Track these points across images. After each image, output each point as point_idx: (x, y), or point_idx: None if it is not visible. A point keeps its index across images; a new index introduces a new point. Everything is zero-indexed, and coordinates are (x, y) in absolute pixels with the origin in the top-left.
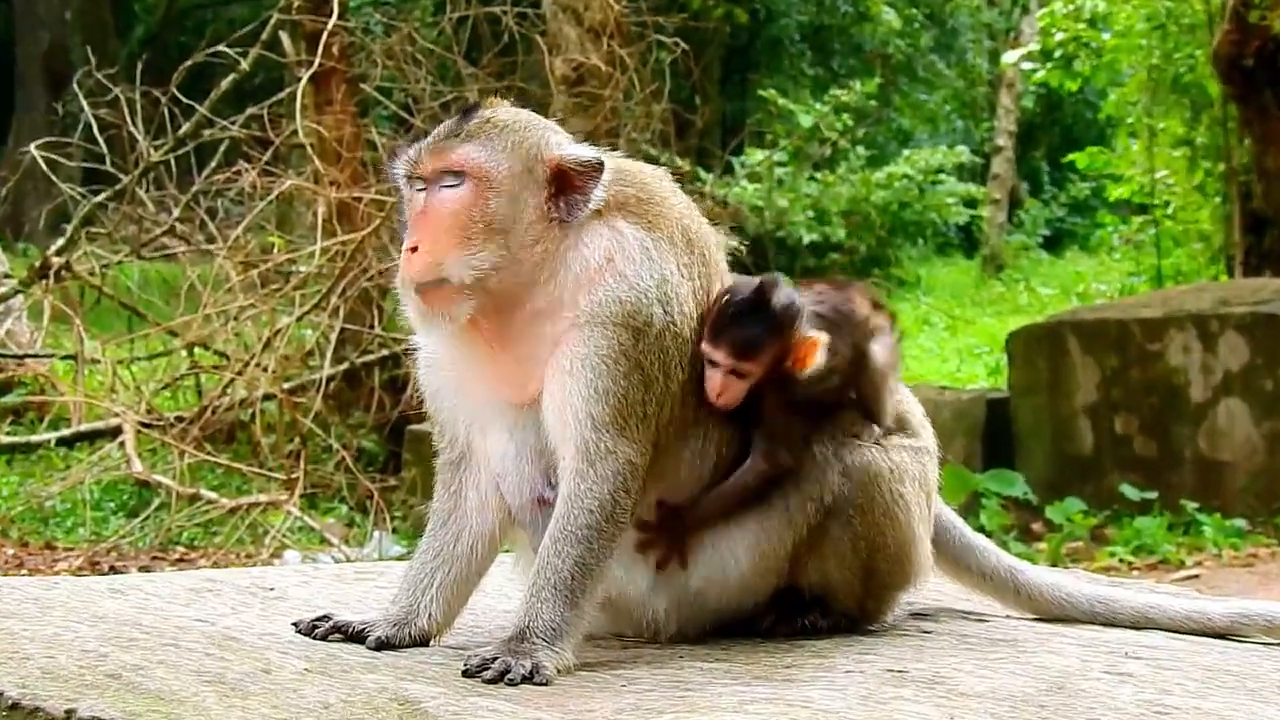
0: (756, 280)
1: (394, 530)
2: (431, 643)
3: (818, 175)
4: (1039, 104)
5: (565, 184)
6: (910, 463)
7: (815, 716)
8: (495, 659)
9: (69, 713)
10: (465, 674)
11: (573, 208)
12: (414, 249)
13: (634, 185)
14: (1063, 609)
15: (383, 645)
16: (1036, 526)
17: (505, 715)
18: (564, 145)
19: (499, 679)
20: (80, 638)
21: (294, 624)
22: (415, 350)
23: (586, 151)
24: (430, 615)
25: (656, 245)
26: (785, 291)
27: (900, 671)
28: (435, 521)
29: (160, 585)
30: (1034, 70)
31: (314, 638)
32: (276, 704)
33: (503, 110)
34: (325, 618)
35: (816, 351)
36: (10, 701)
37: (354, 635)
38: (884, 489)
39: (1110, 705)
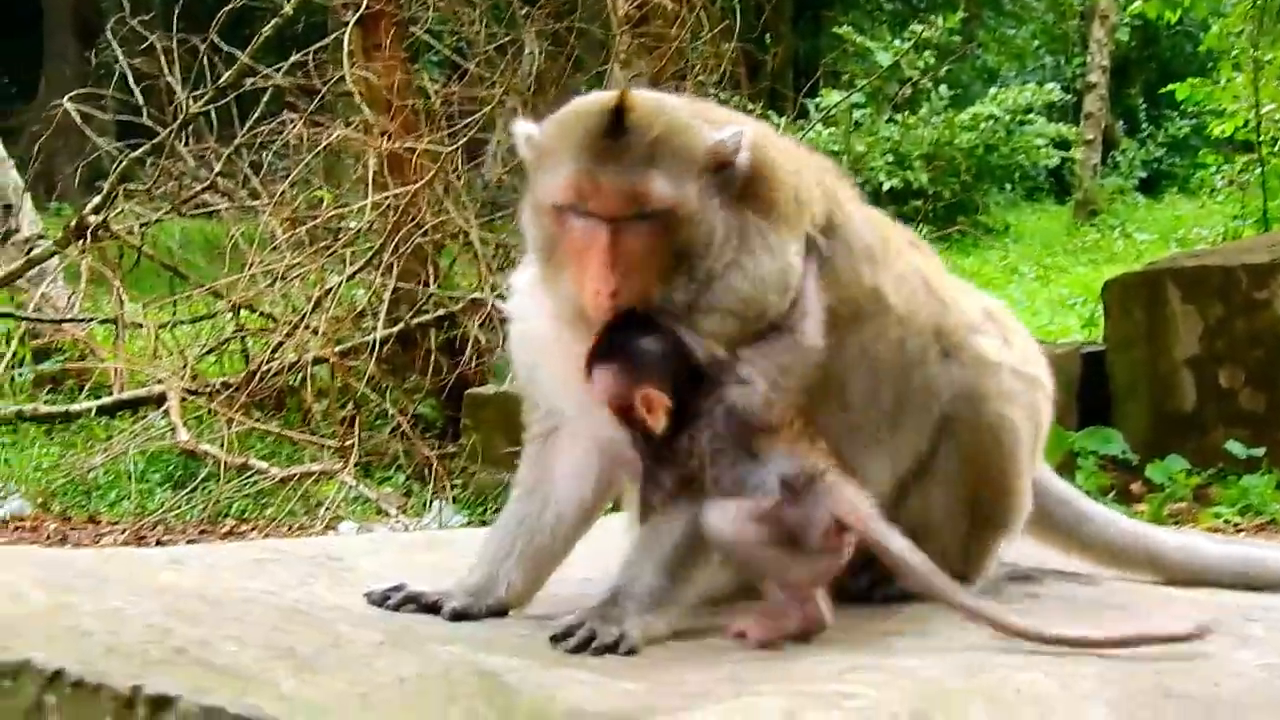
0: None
1: (454, 499)
2: (510, 614)
3: (898, 117)
4: (1134, 37)
5: (718, 167)
6: (1022, 391)
7: (919, 686)
8: (581, 625)
9: (135, 690)
10: (552, 640)
11: (722, 191)
12: (613, 293)
13: (754, 158)
14: (1203, 574)
15: (459, 616)
16: (1136, 487)
17: (589, 687)
18: (711, 132)
19: (582, 648)
20: (143, 612)
21: (366, 595)
22: (508, 319)
23: (729, 133)
24: (509, 585)
25: (775, 230)
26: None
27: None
28: (520, 491)
29: (222, 556)
30: (1129, 1)
31: (387, 608)
32: (351, 678)
33: (650, 108)
34: (398, 588)
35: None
36: (73, 680)
37: (428, 606)
38: (992, 408)
39: (1229, 670)
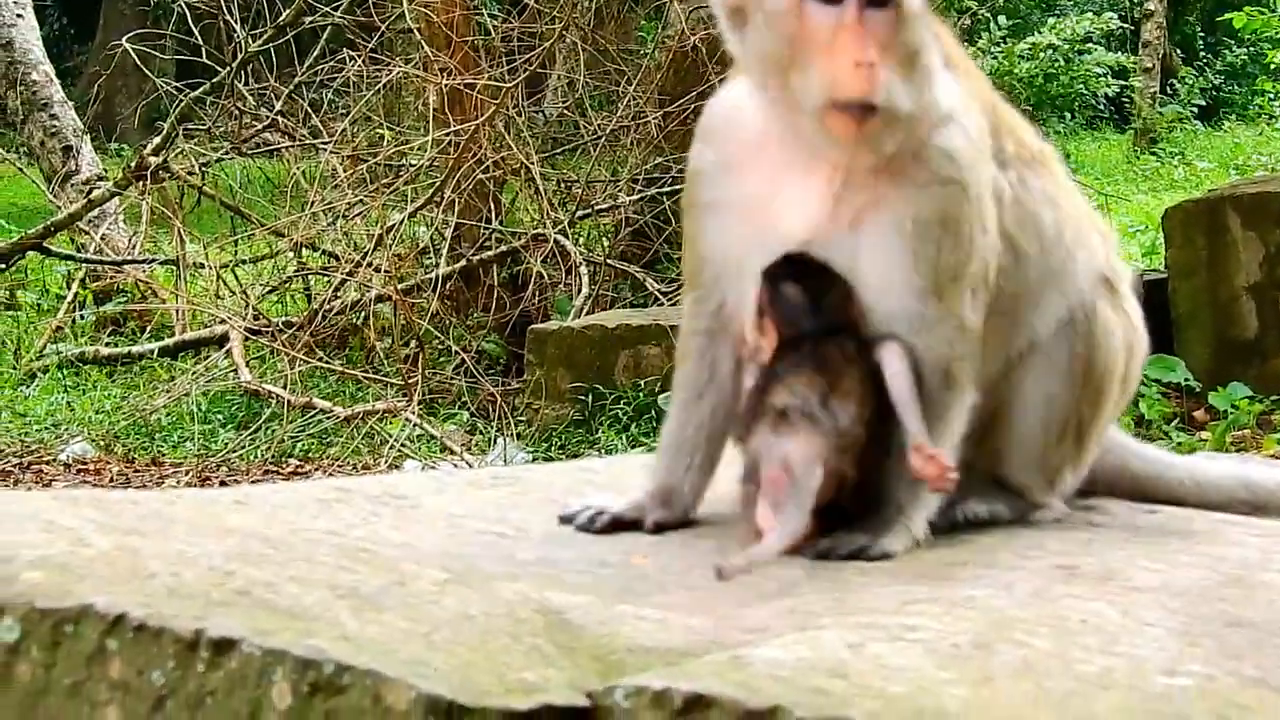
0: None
1: (518, 436)
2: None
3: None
4: None
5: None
6: (1122, 325)
7: (981, 616)
8: (835, 537)
9: (197, 633)
10: (818, 556)
11: (930, 41)
12: (870, 65)
13: None
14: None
15: (659, 528)
16: (1199, 414)
17: (652, 623)
18: None
19: (856, 555)
20: (206, 553)
21: (562, 517)
22: (689, 193)
23: None
24: (696, 492)
25: (959, 84)
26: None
27: (1070, 567)
28: (686, 394)
29: (287, 496)
30: None
31: (593, 531)
32: (415, 617)
33: None
34: (594, 510)
35: None
36: (136, 623)
37: (631, 523)
38: (1110, 320)
39: None
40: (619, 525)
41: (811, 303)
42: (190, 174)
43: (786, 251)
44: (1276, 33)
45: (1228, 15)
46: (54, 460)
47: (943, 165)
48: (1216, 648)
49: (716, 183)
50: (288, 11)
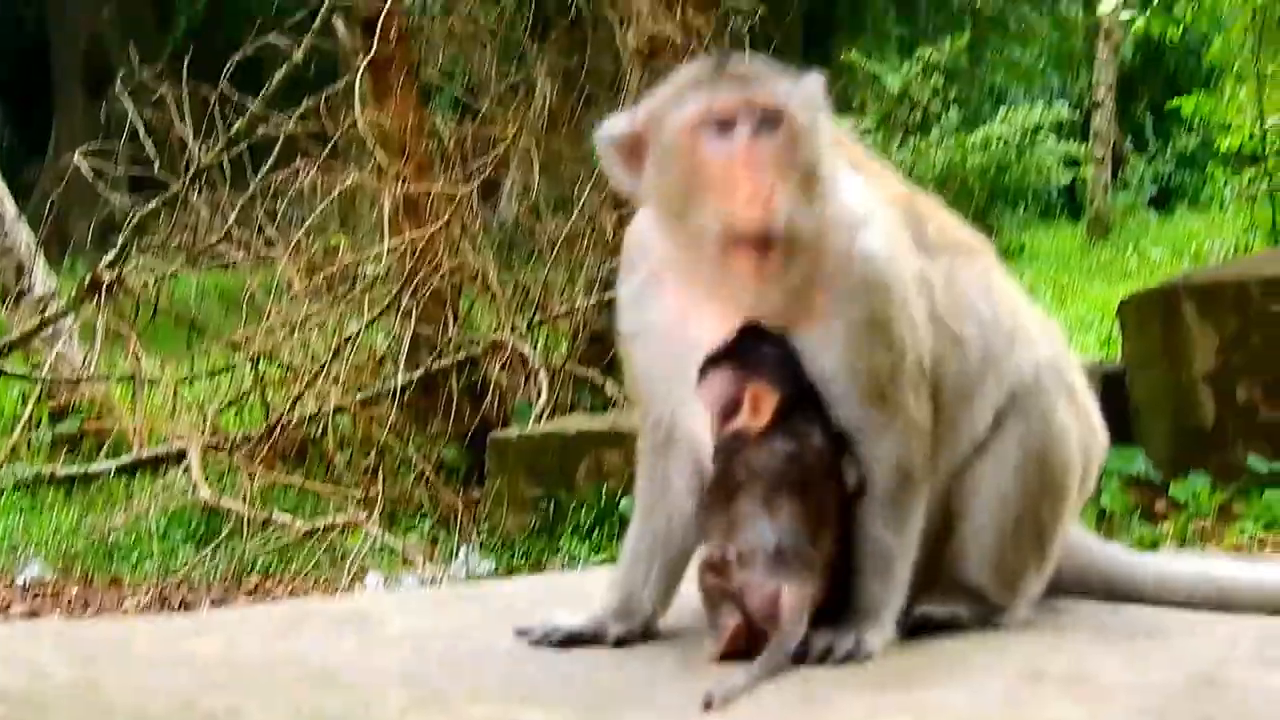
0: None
1: (480, 545)
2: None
3: (909, 141)
4: (1139, 53)
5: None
6: (1078, 421)
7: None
8: (816, 639)
9: None
10: (795, 660)
11: (828, 153)
12: (767, 196)
13: None
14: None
15: (620, 643)
16: (1160, 505)
17: None
18: (811, 79)
19: (824, 658)
20: (168, 682)
21: (521, 633)
22: (619, 319)
23: (821, 80)
24: (653, 605)
25: (869, 186)
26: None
27: (1038, 669)
28: (641, 509)
29: (248, 619)
30: (1133, 18)
31: (551, 646)
32: None
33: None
34: (553, 627)
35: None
36: None
37: (591, 638)
38: (1060, 412)
39: (1266, 696)
40: (576, 641)
41: (789, 354)
42: (145, 288)
43: (740, 327)
44: (1226, 119)
45: (1176, 102)
46: (10, 584)
47: (864, 270)
48: None
49: (639, 309)
50: (240, 122)
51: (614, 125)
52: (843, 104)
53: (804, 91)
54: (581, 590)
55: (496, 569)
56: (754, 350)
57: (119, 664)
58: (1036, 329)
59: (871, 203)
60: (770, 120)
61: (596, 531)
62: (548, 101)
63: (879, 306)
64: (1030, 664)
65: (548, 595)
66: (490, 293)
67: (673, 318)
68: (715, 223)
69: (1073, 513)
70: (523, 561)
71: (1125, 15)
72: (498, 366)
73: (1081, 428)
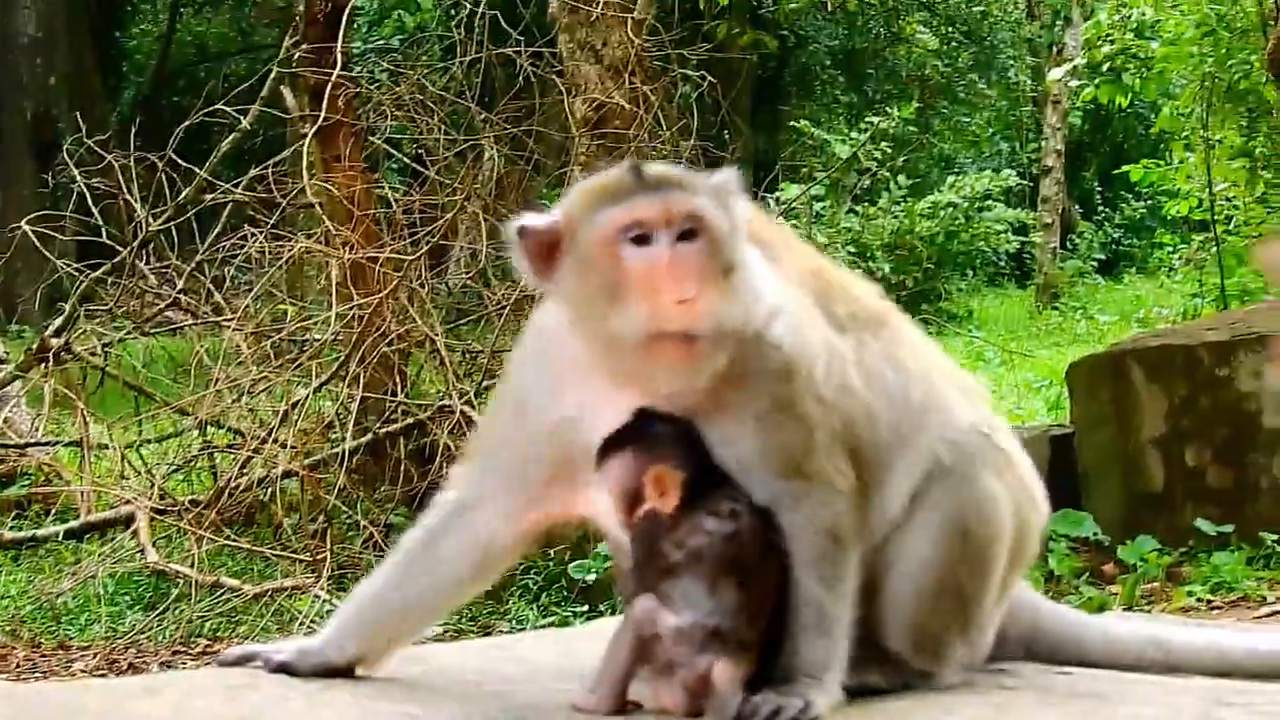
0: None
1: None
2: (339, 675)
3: (858, 208)
4: (1087, 120)
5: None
6: (1008, 487)
7: None
8: (764, 701)
9: None
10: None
11: (744, 251)
12: (691, 299)
13: None
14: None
15: (281, 669)
16: (1109, 568)
17: None
18: (724, 177)
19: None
20: None
21: (219, 661)
22: (511, 395)
23: (734, 177)
24: (341, 649)
25: (775, 268)
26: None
27: None
28: (397, 554)
29: (196, 682)
30: (1082, 86)
31: (226, 665)
32: None
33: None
34: (249, 654)
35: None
36: None
37: (264, 661)
38: (984, 477)
39: None
40: (252, 661)
41: (687, 432)
42: (93, 354)
43: (634, 411)
44: (1173, 185)
45: (1125, 169)
46: None
47: (771, 359)
48: None
49: (545, 401)
50: (188, 190)
51: (528, 223)
52: (791, 171)
53: (720, 193)
54: (527, 654)
55: (444, 633)
56: (651, 431)
57: None
58: (954, 396)
59: (780, 288)
60: (689, 229)
61: (544, 595)
62: (496, 168)
63: (786, 391)
64: None
65: (492, 659)
66: (438, 358)
67: (582, 412)
68: (640, 325)
69: (1014, 576)
70: (471, 625)
71: (1074, 83)
72: (445, 431)
73: (1013, 492)
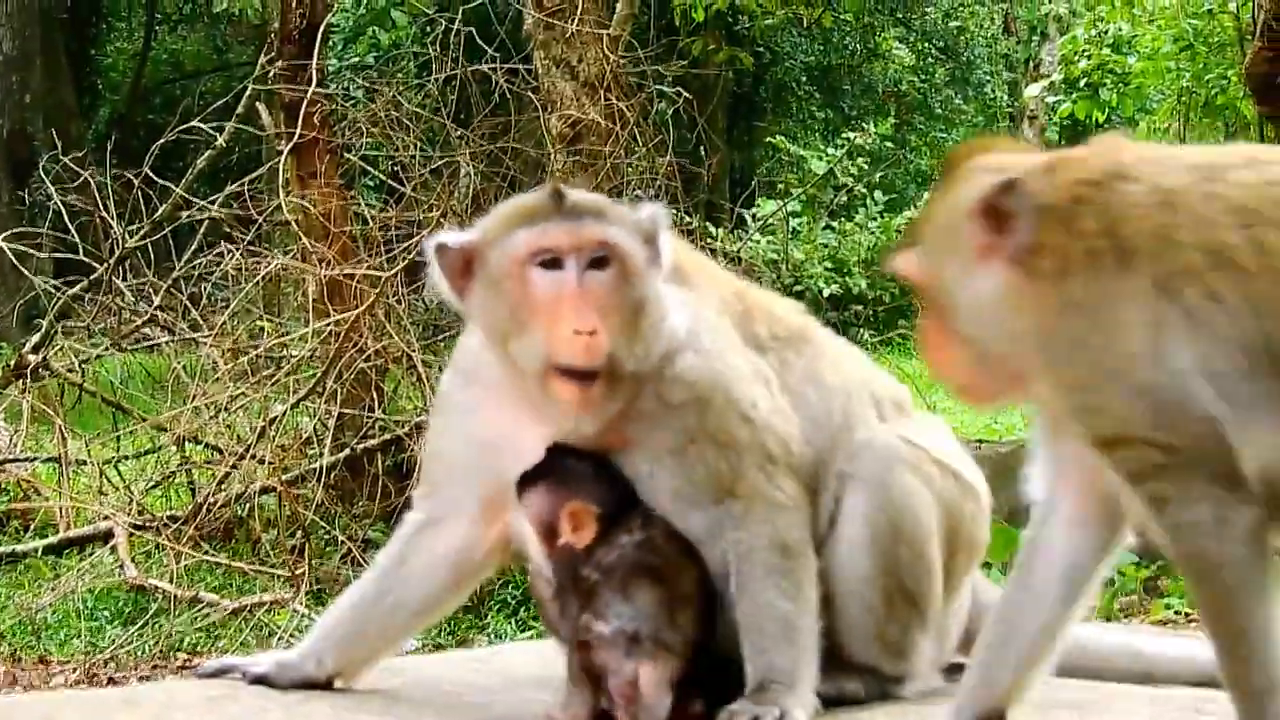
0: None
1: None
2: (318, 688)
3: (834, 224)
4: (1064, 136)
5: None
6: (929, 482)
7: None
8: (742, 713)
9: None
10: None
11: (660, 273)
12: (592, 331)
13: None
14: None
15: (258, 681)
16: None
17: None
18: (646, 211)
19: None
20: None
21: (196, 674)
22: (442, 414)
23: (653, 210)
24: (319, 662)
25: (697, 299)
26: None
27: None
28: (372, 573)
29: (176, 694)
30: (1059, 101)
31: (204, 677)
32: None
33: (581, 192)
34: (227, 666)
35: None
36: None
37: (242, 674)
38: (899, 476)
39: None
40: (231, 674)
41: (606, 469)
42: (70, 371)
43: (550, 447)
44: None
45: None
46: None
47: (678, 393)
48: None
49: (468, 418)
50: (164, 207)
51: (445, 240)
52: (767, 187)
53: (641, 228)
54: (505, 667)
55: (422, 646)
56: (567, 468)
57: None
58: (870, 406)
59: (697, 320)
60: (600, 259)
61: (522, 609)
62: (472, 185)
63: (702, 420)
64: None
65: (470, 671)
66: (415, 374)
67: (501, 431)
68: (539, 354)
69: (960, 566)
70: (449, 639)
71: (1051, 99)
72: (422, 447)
73: (937, 486)
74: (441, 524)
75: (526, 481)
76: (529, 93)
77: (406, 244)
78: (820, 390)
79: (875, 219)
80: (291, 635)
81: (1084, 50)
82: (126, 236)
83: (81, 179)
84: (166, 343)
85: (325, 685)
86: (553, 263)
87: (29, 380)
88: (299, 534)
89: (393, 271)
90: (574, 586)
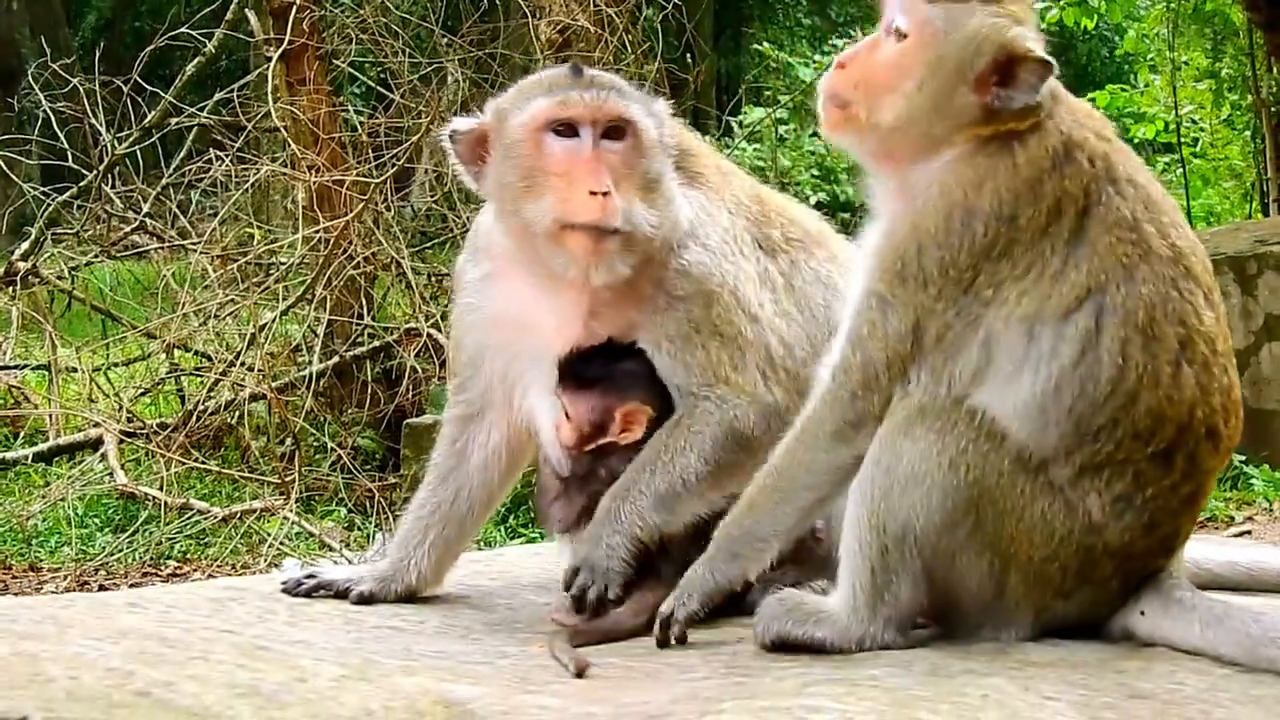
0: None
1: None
2: (418, 598)
3: (821, 133)
4: (1051, 44)
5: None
6: None
7: (883, 695)
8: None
9: None
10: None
11: (668, 169)
12: (604, 193)
13: (676, 138)
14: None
15: (365, 600)
16: None
17: (555, 712)
18: (658, 103)
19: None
20: (104, 655)
21: (282, 584)
22: (457, 297)
23: (667, 109)
24: (420, 572)
25: (709, 199)
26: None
27: (966, 643)
28: (434, 475)
29: (180, 596)
30: (1047, 8)
31: (299, 595)
32: (316, 713)
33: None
34: (311, 575)
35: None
36: None
37: (340, 592)
38: None
39: (1190, 667)
40: (326, 591)
41: (654, 370)
42: (60, 278)
43: (599, 345)
44: (1139, 109)
45: (1091, 94)
46: None
47: (681, 285)
48: None
49: (478, 293)
50: (153, 114)
51: (457, 127)
52: (755, 94)
53: (652, 110)
54: (507, 568)
55: None
56: (622, 367)
57: (54, 638)
58: None
59: (702, 213)
60: (615, 130)
61: (512, 516)
62: (461, 91)
63: (703, 313)
64: (952, 643)
65: (473, 573)
66: (405, 281)
67: (510, 305)
68: (551, 213)
69: None
70: None
71: (1039, 5)
72: (412, 354)
73: None
74: (482, 416)
75: (580, 379)
76: None
77: (395, 151)
78: (828, 292)
79: None
80: (283, 543)
81: None
82: (116, 144)
83: (70, 86)
84: (156, 250)
85: (414, 595)
86: (569, 131)
87: (18, 287)
88: (288, 441)
89: (382, 178)
90: (584, 480)
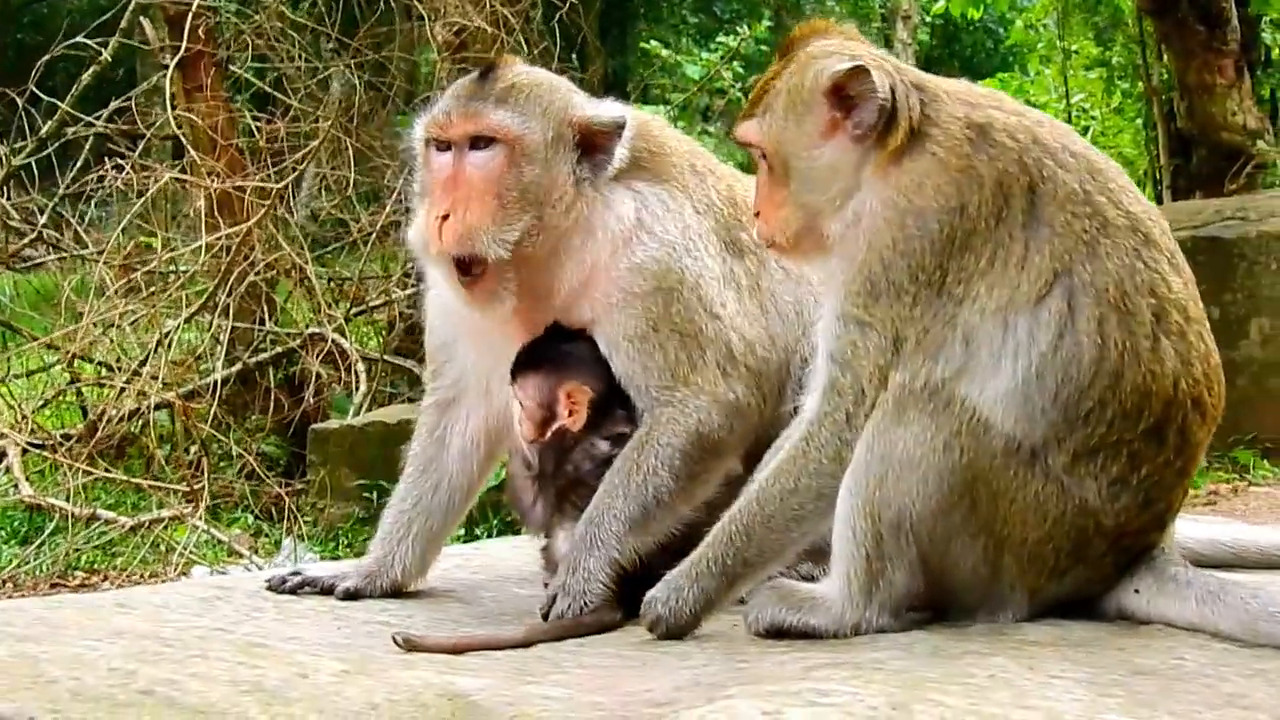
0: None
1: (305, 536)
2: (404, 592)
3: (712, 129)
4: (936, 36)
5: (591, 145)
6: None
7: (890, 677)
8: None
9: None
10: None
11: (598, 169)
12: (444, 216)
13: (641, 138)
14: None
15: (350, 596)
16: None
17: (561, 702)
18: (587, 106)
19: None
20: (103, 655)
21: (266, 582)
22: (425, 285)
23: (611, 110)
24: (405, 566)
25: (673, 197)
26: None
27: (963, 624)
28: (414, 467)
29: (167, 596)
30: (933, 1)
31: (284, 592)
32: (322, 708)
33: (523, 70)
34: (295, 573)
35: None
36: None
37: (325, 589)
38: None
39: (1192, 644)
40: (311, 588)
41: (598, 351)
42: None
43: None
44: (1030, 98)
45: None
46: None
47: (637, 282)
48: (1128, 697)
49: (434, 290)
50: (49, 123)
51: (420, 113)
52: (644, 93)
53: (556, 117)
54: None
55: (322, 559)
56: (563, 350)
57: (50, 639)
58: None
59: (662, 212)
60: (482, 141)
61: (488, 509)
62: (358, 95)
63: (662, 309)
64: (948, 626)
65: (453, 565)
66: (306, 286)
67: (443, 317)
68: (416, 240)
69: None
70: (347, 551)
71: None
72: (316, 359)
73: None
74: (458, 403)
75: (522, 364)
76: (414, 2)
77: (294, 157)
78: (799, 289)
79: None
80: (192, 551)
81: None
82: (11, 155)
83: None
84: (54, 261)
85: (399, 590)
86: (445, 145)
87: None
88: (194, 449)
89: (282, 184)
90: (555, 475)
